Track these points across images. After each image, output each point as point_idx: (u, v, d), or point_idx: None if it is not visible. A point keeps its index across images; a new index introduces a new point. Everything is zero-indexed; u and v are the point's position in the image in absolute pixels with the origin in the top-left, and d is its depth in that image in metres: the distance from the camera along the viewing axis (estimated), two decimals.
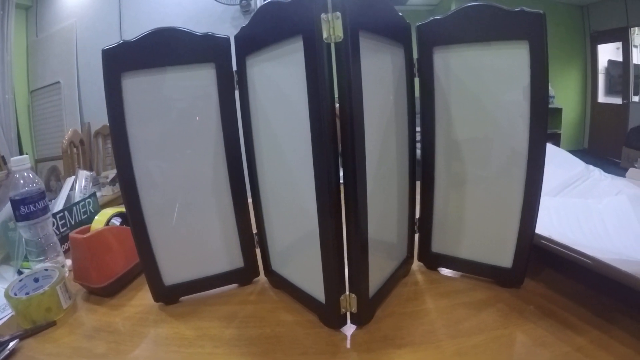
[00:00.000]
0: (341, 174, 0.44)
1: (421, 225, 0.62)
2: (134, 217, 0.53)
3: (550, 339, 0.45)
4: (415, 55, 0.55)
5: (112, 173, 1.94)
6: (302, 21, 0.41)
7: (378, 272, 0.52)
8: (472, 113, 0.54)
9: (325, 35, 0.40)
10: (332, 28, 0.40)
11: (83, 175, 1.08)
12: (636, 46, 3.64)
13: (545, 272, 0.58)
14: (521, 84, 0.49)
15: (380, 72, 0.49)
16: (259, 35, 0.49)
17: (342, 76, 0.41)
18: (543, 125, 0.49)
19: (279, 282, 0.59)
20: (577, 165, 0.90)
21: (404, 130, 0.56)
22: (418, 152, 0.59)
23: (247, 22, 0.51)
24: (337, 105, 0.42)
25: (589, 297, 0.52)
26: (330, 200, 0.43)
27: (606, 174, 0.86)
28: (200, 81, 0.53)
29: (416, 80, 0.56)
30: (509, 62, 0.49)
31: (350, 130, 0.42)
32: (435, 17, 0.53)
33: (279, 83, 0.49)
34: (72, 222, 0.82)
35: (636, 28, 3.59)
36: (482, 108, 0.53)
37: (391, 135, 0.53)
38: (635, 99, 3.75)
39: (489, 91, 0.52)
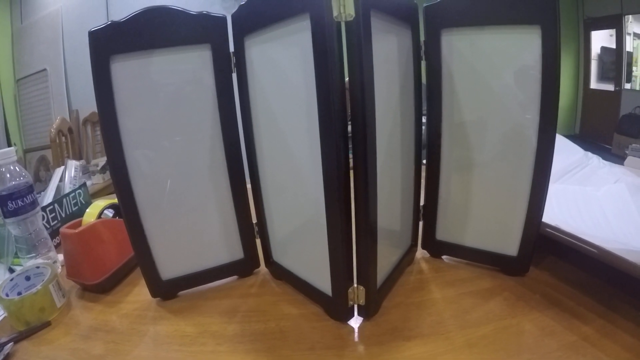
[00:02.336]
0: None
1: (426, 212, 0.61)
2: (127, 210, 0.51)
3: (557, 328, 0.45)
4: (422, 38, 0.54)
5: (102, 161, 1.92)
6: None
7: (385, 261, 0.51)
8: (480, 98, 0.52)
9: (335, 13, 0.37)
10: (343, 6, 0.37)
11: (72, 165, 1.05)
12: (629, 34, 3.65)
13: (548, 260, 0.58)
14: (531, 69, 0.47)
15: (388, 55, 0.47)
16: (260, 14, 0.47)
17: (353, 58, 0.39)
18: (554, 112, 0.48)
19: (280, 273, 0.58)
20: (576, 151, 0.90)
21: (410, 115, 0.54)
22: (424, 136, 0.57)
23: (238, 4, 0.48)
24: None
25: (592, 286, 0.52)
26: (340, 189, 0.42)
27: (605, 162, 0.86)
28: (195, 64, 0.51)
29: (423, 64, 0.54)
30: (519, 46, 0.48)
31: (361, 115, 0.40)
32: None
33: (282, 65, 0.47)
34: (63, 215, 0.80)
35: (630, 16, 3.59)
36: (490, 93, 0.52)
37: (398, 119, 0.51)
38: (627, 86, 3.77)
39: (498, 76, 0.51)
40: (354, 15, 0.38)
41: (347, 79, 0.40)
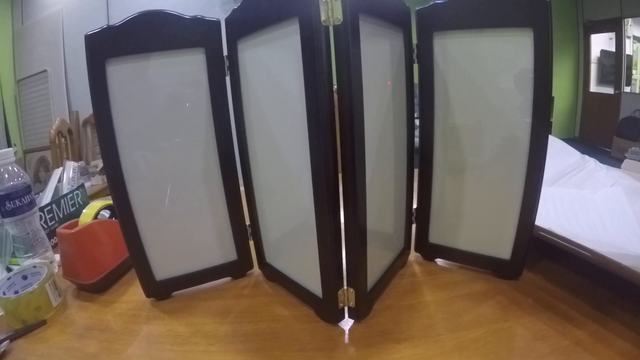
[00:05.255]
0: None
1: (418, 215, 0.61)
2: (122, 211, 0.51)
3: (549, 332, 0.45)
4: (414, 41, 0.54)
5: (101, 162, 1.91)
6: (299, 2, 0.39)
7: (376, 264, 0.51)
8: (473, 101, 0.53)
9: (323, 17, 0.38)
10: (331, 10, 0.38)
11: (70, 166, 1.06)
12: (629, 37, 3.65)
13: (542, 264, 0.58)
14: (524, 72, 0.47)
15: (379, 58, 0.47)
16: (252, 18, 0.47)
17: (340, 61, 0.39)
18: (546, 115, 0.48)
19: (273, 275, 0.58)
20: (572, 155, 0.90)
21: (402, 118, 0.54)
22: (416, 140, 0.57)
23: (238, 6, 0.49)
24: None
25: (586, 290, 0.51)
26: (328, 191, 0.42)
27: (601, 165, 0.86)
28: (189, 67, 0.51)
29: (415, 67, 0.54)
30: (512, 49, 0.48)
31: (349, 118, 0.40)
32: (436, 1, 0.51)
33: (273, 68, 0.47)
34: (61, 215, 0.80)
35: (630, 19, 3.59)
36: (482, 96, 0.52)
37: (389, 123, 0.51)
38: (627, 89, 3.76)
39: (490, 79, 0.51)
40: (341, 19, 0.38)
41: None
